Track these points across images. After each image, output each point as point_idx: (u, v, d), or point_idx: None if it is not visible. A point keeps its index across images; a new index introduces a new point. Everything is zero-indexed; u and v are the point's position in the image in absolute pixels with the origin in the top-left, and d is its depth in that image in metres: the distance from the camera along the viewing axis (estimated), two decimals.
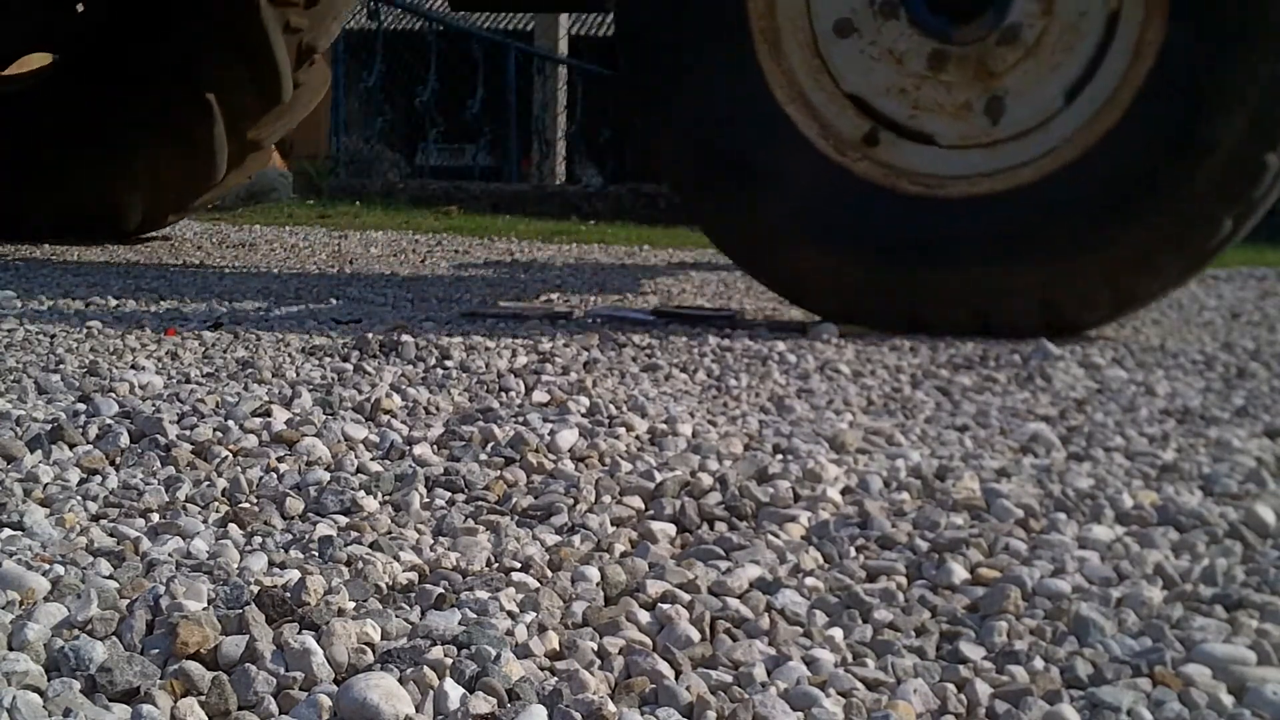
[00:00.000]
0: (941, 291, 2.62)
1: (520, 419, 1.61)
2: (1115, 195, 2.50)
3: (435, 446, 1.48)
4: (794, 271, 2.75)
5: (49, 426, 1.47)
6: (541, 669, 0.87)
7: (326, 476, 1.33)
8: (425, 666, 0.83)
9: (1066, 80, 2.56)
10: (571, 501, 1.26)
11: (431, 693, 0.80)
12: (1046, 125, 2.58)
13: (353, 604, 0.95)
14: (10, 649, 0.84)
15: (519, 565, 1.07)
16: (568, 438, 1.50)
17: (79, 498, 1.23)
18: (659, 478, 1.33)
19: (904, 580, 1.08)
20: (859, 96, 2.67)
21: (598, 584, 1.03)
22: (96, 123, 4.47)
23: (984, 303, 2.60)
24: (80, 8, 4.81)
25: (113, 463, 1.38)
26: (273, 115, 4.50)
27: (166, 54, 4.37)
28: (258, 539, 1.13)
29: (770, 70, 2.69)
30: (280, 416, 1.56)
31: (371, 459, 1.43)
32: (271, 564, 1.06)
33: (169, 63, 4.36)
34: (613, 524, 1.21)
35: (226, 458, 1.39)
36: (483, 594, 0.98)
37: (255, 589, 0.94)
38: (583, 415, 1.67)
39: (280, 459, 1.39)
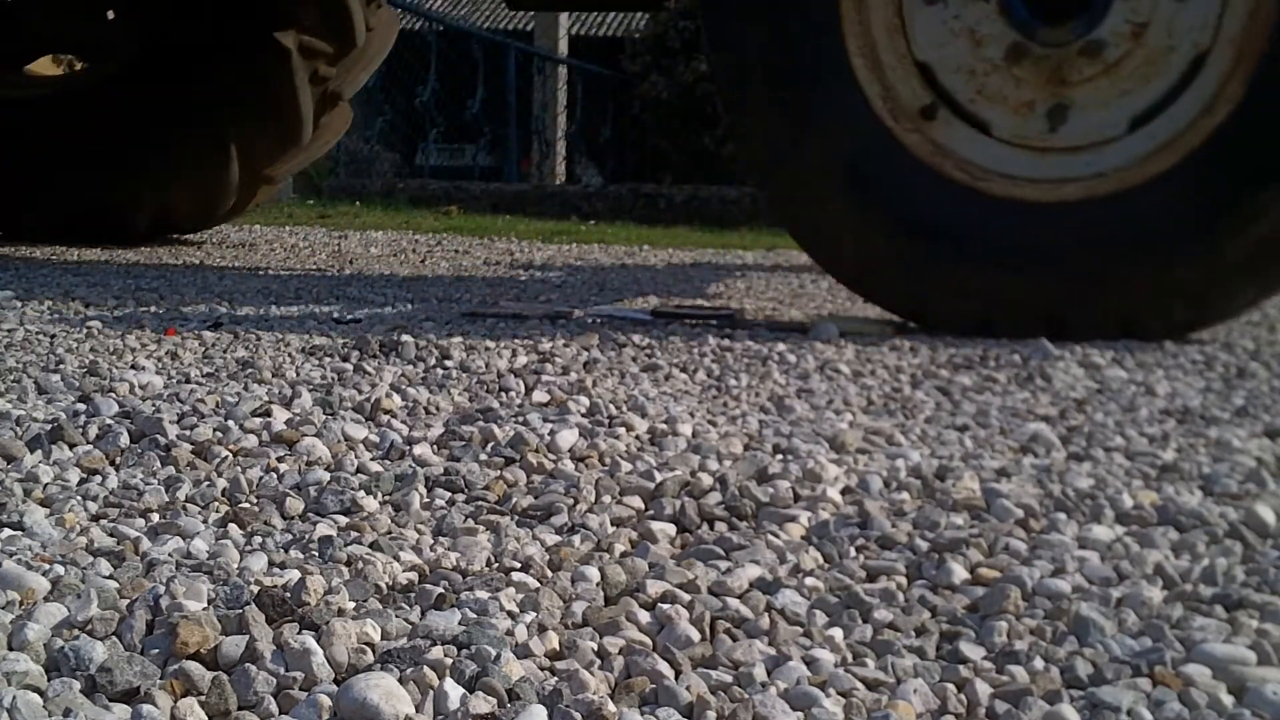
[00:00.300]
0: (953, 284, 2.62)
1: (520, 419, 1.61)
2: (1150, 235, 2.51)
3: (435, 446, 1.48)
4: (818, 223, 2.73)
5: (49, 426, 1.47)
6: (541, 669, 0.87)
7: (326, 476, 1.33)
8: (425, 666, 0.83)
9: (1135, 109, 2.55)
10: (571, 501, 1.26)
11: (431, 693, 0.80)
12: (1102, 147, 2.57)
13: (353, 604, 0.95)
14: (10, 649, 0.84)
15: (519, 565, 1.07)
16: (568, 438, 1.50)
17: (79, 498, 1.23)
18: (659, 478, 1.33)
19: (904, 580, 1.08)
20: (928, 67, 2.66)
21: (598, 584, 1.03)
22: (112, 142, 4.49)
23: (990, 306, 2.60)
24: (110, 15, 4.83)
25: (113, 463, 1.38)
26: (290, 155, 4.55)
27: (192, 93, 4.40)
28: (258, 539, 1.13)
29: (849, 20, 2.66)
30: (280, 416, 1.56)
31: (371, 459, 1.43)
32: (271, 564, 1.06)
33: (193, 101, 4.40)
34: (613, 524, 1.21)
35: (226, 458, 1.39)
36: (483, 594, 0.98)
37: (255, 589, 0.94)
38: (583, 415, 1.67)
39: (280, 459, 1.39)
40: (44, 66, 5.18)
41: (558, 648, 0.90)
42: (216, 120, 4.41)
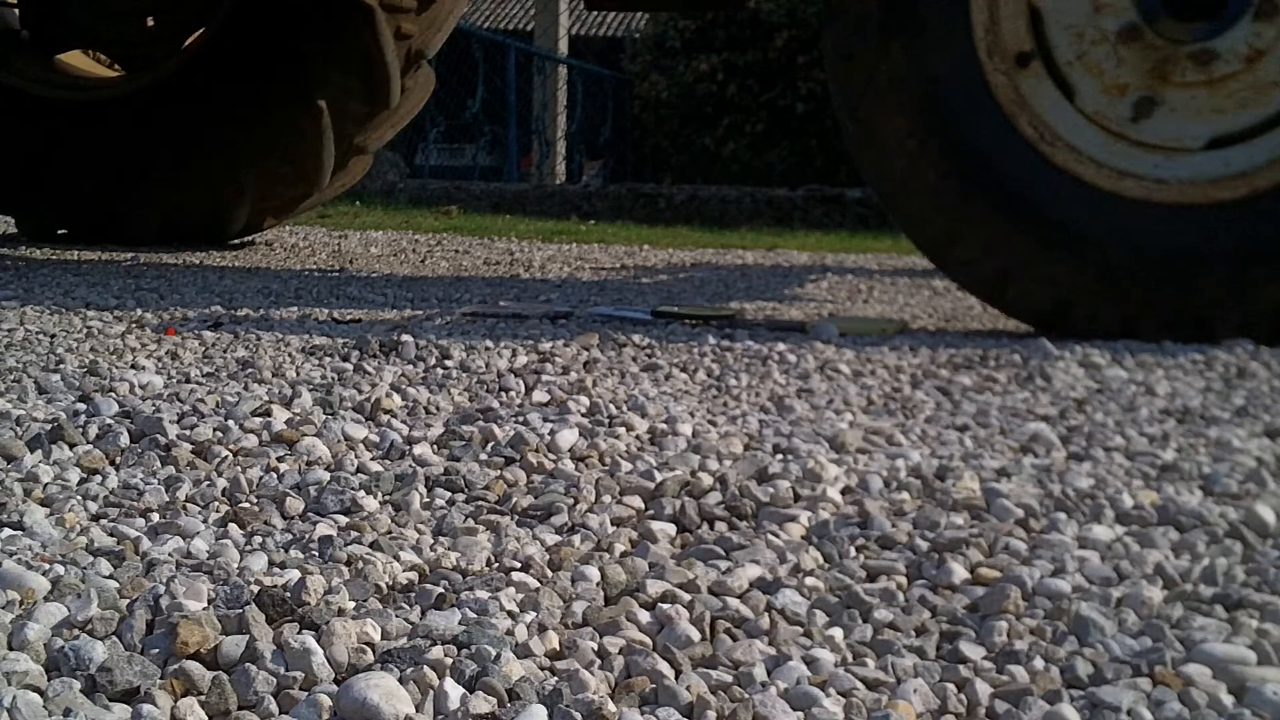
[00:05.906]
0: (976, 231, 2.62)
1: (520, 419, 1.61)
2: (1187, 256, 2.52)
3: (435, 446, 1.48)
4: (876, 132, 2.70)
5: (49, 426, 1.47)
6: (541, 669, 0.87)
7: (326, 476, 1.33)
8: (425, 666, 0.83)
9: (1220, 129, 2.54)
10: (571, 501, 1.26)
11: (431, 693, 0.80)
12: (1173, 154, 2.56)
13: (353, 604, 0.95)
14: (10, 649, 0.84)
15: (519, 565, 1.07)
16: (568, 437, 1.50)
17: (79, 498, 1.23)
18: (659, 478, 1.33)
19: (904, 580, 1.08)
20: (1039, 13, 2.61)
21: (598, 584, 1.03)
22: (207, 131, 4.39)
23: (1006, 262, 2.62)
24: (150, 21, 4.78)
25: (113, 463, 1.38)
26: (379, 120, 4.46)
27: (280, 62, 4.30)
28: (258, 539, 1.13)
29: None
30: (280, 416, 1.56)
31: (371, 459, 1.43)
32: (271, 564, 1.06)
33: (282, 71, 4.29)
34: (613, 524, 1.21)
35: (226, 458, 1.39)
36: (483, 594, 0.98)
37: (255, 589, 0.94)
38: (583, 415, 1.67)
39: (280, 459, 1.39)
40: (89, 65, 5.08)
41: (558, 647, 0.90)
42: (307, 89, 4.28)
